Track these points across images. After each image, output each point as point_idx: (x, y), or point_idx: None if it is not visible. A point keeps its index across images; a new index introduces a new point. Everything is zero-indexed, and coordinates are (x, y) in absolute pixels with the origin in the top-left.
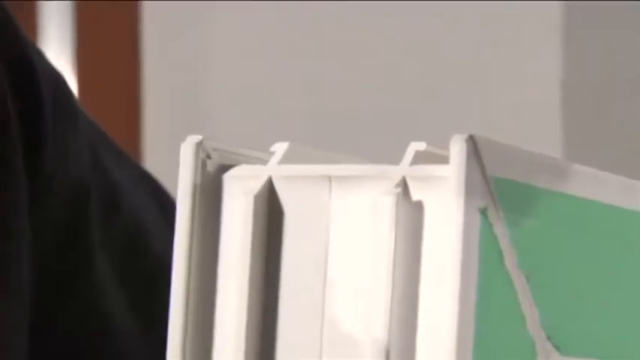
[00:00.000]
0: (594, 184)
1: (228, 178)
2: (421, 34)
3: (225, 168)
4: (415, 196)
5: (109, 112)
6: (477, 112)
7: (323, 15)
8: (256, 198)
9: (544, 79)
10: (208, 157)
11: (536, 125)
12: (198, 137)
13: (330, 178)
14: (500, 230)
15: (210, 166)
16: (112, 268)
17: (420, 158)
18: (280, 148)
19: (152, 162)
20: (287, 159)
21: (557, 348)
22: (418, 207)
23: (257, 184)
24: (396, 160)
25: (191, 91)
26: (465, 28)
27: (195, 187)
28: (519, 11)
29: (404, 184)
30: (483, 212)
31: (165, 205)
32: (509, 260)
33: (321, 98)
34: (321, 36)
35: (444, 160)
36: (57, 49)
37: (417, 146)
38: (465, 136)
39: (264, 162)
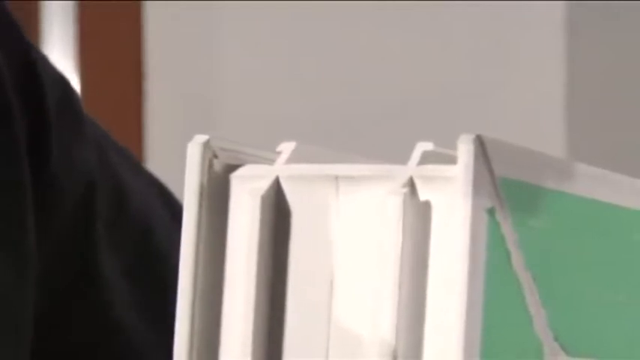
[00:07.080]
0: (603, 185)
1: (234, 177)
2: (424, 34)
3: (231, 168)
4: (422, 196)
5: (112, 113)
6: (480, 112)
7: (331, 15)
8: (263, 198)
9: (547, 79)
10: (215, 156)
11: (540, 125)
12: (205, 137)
13: (337, 178)
14: (508, 231)
15: (217, 166)
16: (120, 267)
17: (427, 158)
18: (287, 147)
19: (155, 163)
20: (294, 159)
21: (564, 349)
22: (425, 207)
23: (264, 184)
24: (401, 160)
25: (194, 92)
26: (467, 28)
27: (202, 186)
28: (522, 10)
29: (411, 184)
30: (490, 212)
31: (174, 209)
32: (517, 260)
33: (327, 99)
34: (329, 37)
35: (451, 160)
36: (59, 49)
37: (424, 146)
38: (472, 136)
39: (271, 162)
